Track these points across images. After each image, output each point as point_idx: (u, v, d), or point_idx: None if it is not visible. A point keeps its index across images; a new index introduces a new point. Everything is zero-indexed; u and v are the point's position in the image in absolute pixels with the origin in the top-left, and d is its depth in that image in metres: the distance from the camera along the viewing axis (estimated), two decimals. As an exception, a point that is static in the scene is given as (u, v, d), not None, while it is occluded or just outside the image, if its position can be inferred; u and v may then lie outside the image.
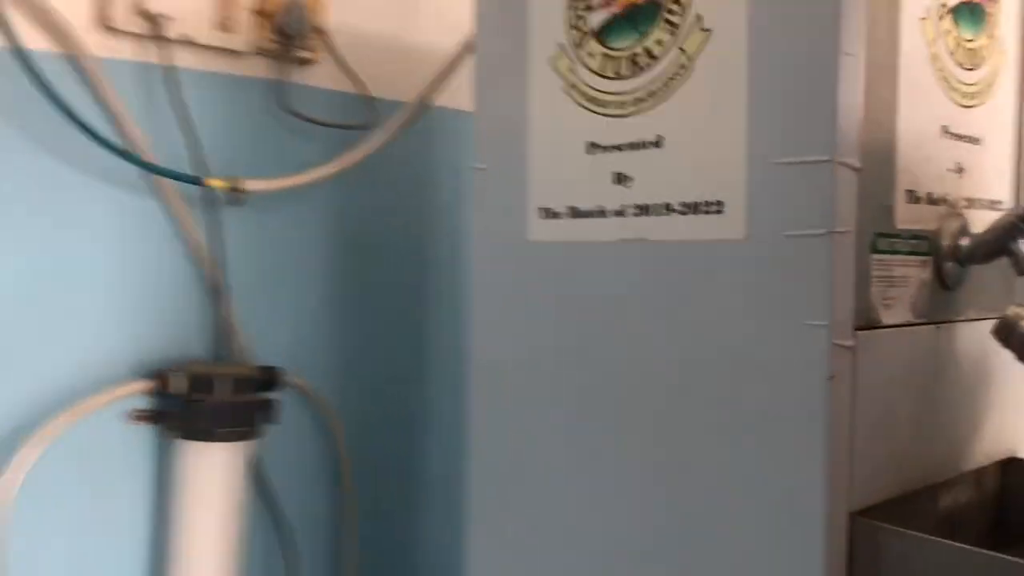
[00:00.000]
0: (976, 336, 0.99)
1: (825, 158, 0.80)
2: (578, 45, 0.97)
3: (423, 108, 1.46)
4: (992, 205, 1.01)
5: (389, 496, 1.58)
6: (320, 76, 1.43)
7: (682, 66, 0.88)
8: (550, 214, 1.00)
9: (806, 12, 0.81)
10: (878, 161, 0.84)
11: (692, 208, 0.88)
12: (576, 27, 0.97)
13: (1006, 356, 1.04)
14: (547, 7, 0.99)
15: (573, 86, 0.97)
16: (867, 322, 0.83)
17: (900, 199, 0.87)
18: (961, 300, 0.96)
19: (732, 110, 0.85)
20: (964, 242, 0.93)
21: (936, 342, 0.93)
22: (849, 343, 0.81)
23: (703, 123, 0.87)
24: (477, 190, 1.08)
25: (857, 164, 0.81)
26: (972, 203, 0.97)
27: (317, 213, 1.45)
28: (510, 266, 1.04)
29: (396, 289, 1.57)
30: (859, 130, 0.81)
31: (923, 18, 0.88)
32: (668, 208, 0.90)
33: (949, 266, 0.93)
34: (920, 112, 0.89)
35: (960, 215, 0.94)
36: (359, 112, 1.45)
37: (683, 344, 0.89)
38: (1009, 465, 1.06)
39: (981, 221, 0.98)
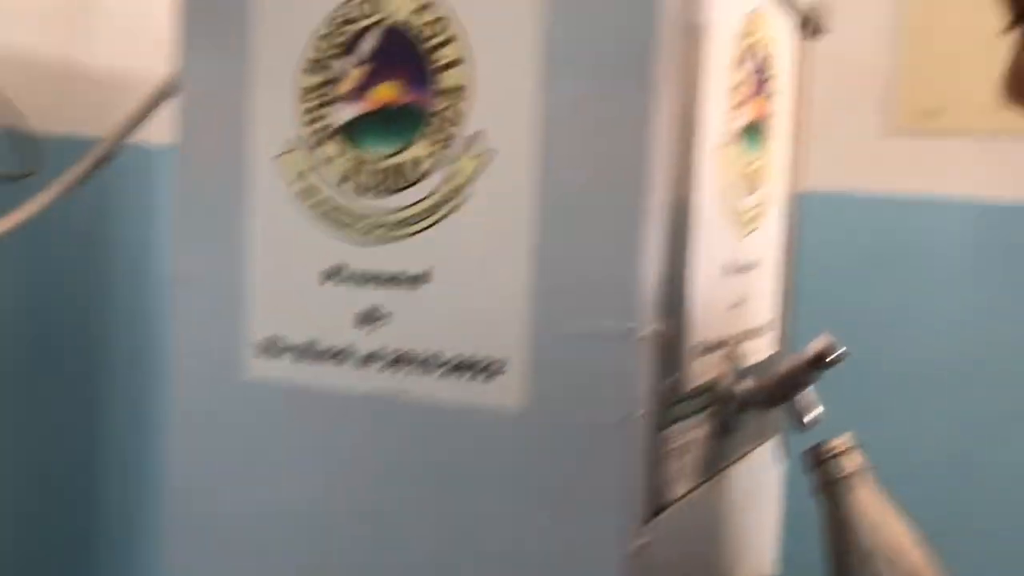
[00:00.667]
0: (751, 465, 0.92)
1: (621, 327, 0.67)
2: (318, 144, 0.77)
3: (116, 148, 1.17)
4: (764, 330, 0.94)
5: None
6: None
7: (456, 188, 0.72)
8: (273, 350, 0.80)
9: (607, 149, 0.67)
10: (672, 321, 0.73)
11: (463, 366, 0.72)
12: (314, 120, 0.77)
13: (767, 478, 0.98)
14: (274, 89, 0.78)
15: (309, 194, 0.77)
16: (657, 505, 0.72)
17: (690, 357, 0.76)
18: (739, 439, 0.89)
19: (516, 252, 0.70)
20: (745, 388, 0.85)
21: (719, 490, 0.85)
22: (642, 541, 0.69)
23: (479, 262, 0.71)
24: (178, 305, 0.85)
25: (656, 334, 0.69)
26: (748, 334, 0.90)
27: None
28: (217, 407, 0.83)
29: (65, 399, 1.27)
30: (658, 291, 0.69)
31: (716, 148, 0.78)
32: (433, 361, 0.73)
33: (731, 413, 0.84)
34: (711, 254, 0.79)
35: (739, 354, 0.86)
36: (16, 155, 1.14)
37: (443, 533, 0.73)
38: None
39: (756, 350, 0.92)
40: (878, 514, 0.77)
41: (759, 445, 0.95)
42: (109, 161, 1.13)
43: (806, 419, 0.84)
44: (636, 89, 0.66)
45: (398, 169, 0.74)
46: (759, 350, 0.92)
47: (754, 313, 0.91)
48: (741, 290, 0.87)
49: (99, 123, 1.15)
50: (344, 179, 0.76)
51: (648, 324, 0.68)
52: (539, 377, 0.69)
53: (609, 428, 0.68)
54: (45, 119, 1.19)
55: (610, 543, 0.68)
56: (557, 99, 0.68)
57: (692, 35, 0.71)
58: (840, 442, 0.79)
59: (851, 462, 0.78)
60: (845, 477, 0.78)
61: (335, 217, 0.76)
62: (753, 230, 0.89)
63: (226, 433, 0.83)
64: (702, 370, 0.79)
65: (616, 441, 0.68)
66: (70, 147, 1.15)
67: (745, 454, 0.92)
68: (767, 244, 0.94)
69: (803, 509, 1.09)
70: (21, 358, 1.22)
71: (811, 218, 1.10)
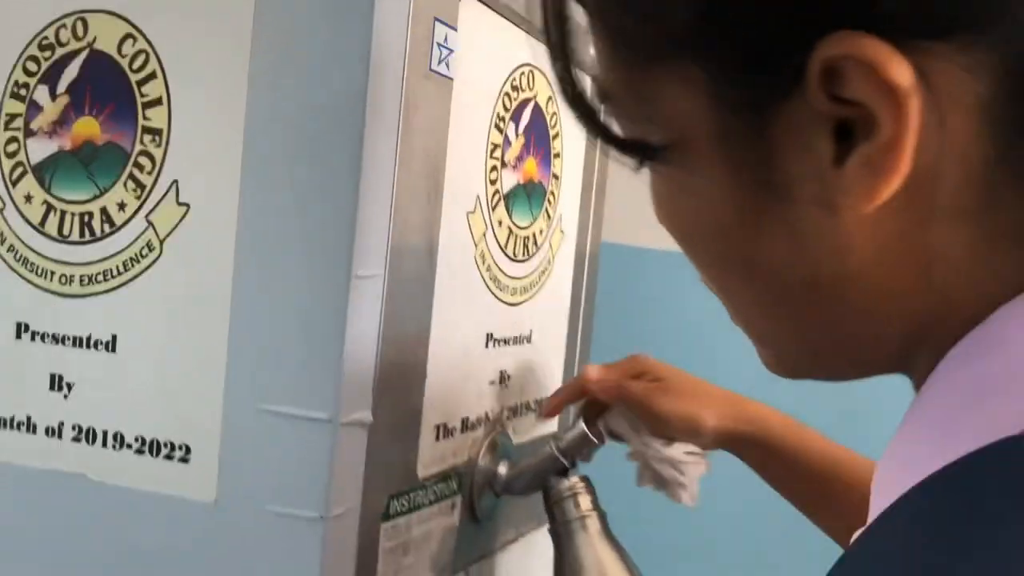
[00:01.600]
0: (509, 558, 0.85)
1: (325, 416, 0.59)
2: (13, 182, 0.67)
3: None
4: (539, 405, 0.87)
5: None
6: None
7: (148, 245, 0.63)
8: (-42, 411, 0.69)
9: (317, 212, 0.59)
10: (399, 404, 0.65)
11: (151, 447, 0.63)
12: (10, 155, 0.67)
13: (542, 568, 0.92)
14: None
15: (1, 237, 0.67)
16: (373, 610, 0.64)
17: (426, 443, 0.69)
18: (496, 529, 0.81)
19: (209, 324, 0.61)
20: (502, 471, 0.78)
21: (464, 588, 0.77)
22: (340, 657, 0.61)
23: (169, 331, 0.63)
24: None
25: (369, 419, 0.61)
26: (516, 412, 0.83)
27: None
28: None
29: None
30: (377, 372, 0.62)
31: (471, 212, 0.71)
32: (118, 440, 0.64)
33: (483, 499, 0.77)
34: (460, 327, 0.72)
35: (499, 433, 0.79)
36: None
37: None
38: None
39: (526, 427, 0.85)
40: (599, 558, 0.73)
41: (531, 531, 0.88)
42: None
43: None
44: (347, 146, 0.58)
45: (93, 217, 0.65)
46: (532, 428, 0.85)
47: (525, 388, 0.84)
48: (511, 363, 0.80)
49: None
50: (41, 222, 0.66)
51: (359, 409, 0.60)
52: (230, 464, 0.61)
53: (309, 523, 0.59)
54: None
55: (302, 658, 0.60)
56: (259, 149, 0.60)
57: (430, 88, 0.64)
58: (572, 483, 0.74)
59: (583, 504, 0.74)
60: (574, 519, 0.74)
61: (30, 265, 0.67)
62: (526, 300, 0.82)
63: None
64: (445, 454, 0.72)
65: (315, 537, 0.59)
66: None
67: (510, 542, 0.84)
68: (548, 315, 0.87)
69: None
70: None
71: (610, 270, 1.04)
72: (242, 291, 0.61)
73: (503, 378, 0.80)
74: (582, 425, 0.74)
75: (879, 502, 0.33)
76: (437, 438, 0.70)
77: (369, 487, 0.62)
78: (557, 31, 0.35)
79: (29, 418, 0.67)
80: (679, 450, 0.75)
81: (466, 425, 0.74)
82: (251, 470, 0.60)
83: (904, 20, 0.29)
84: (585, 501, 0.74)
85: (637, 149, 0.36)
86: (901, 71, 0.29)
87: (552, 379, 0.89)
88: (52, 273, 0.66)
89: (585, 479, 0.75)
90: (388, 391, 0.63)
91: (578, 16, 0.35)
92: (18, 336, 0.67)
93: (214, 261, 0.61)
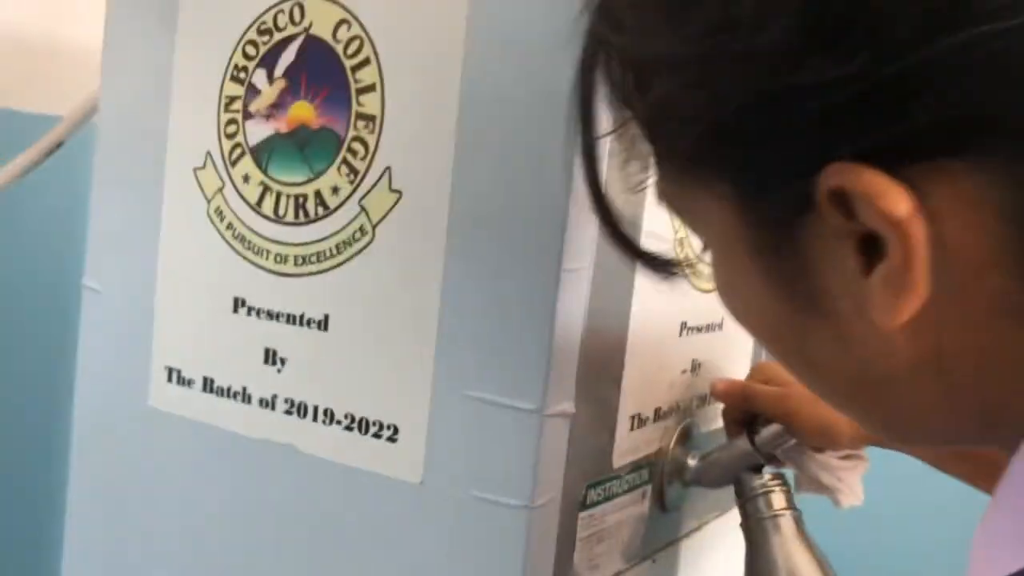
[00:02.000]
0: (692, 546, 0.84)
1: (532, 407, 0.59)
2: (232, 162, 0.70)
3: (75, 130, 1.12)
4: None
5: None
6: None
7: (361, 229, 0.64)
8: (181, 379, 0.73)
9: (532, 204, 0.59)
10: (599, 394, 0.65)
11: (359, 425, 0.65)
12: (230, 135, 0.70)
13: (721, 557, 0.91)
14: (201, 90, 0.71)
15: (220, 214, 0.70)
16: (567, 596, 0.65)
17: (622, 433, 0.68)
18: (681, 518, 0.81)
19: (419, 309, 0.62)
20: (692, 462, 0.76)
21: (649, 575, 0.77)
22: (538, 641, 0.62)
23: (379, 314, 0.64)
24: (87, 317, 0.79)
25: (572, 410, 0.61)
26: (704, 400, 0.81)
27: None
28: (121, 432, 0.77)
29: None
30: (580, 363, 0.62)
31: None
32: (328, 416, 0.66)
33: (672, 489, 0.76)
34: (658, 316, 0.71)
35: (690, 423, 0.78)
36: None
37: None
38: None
39: (714, 416, 0.83)
40: (792, 559, 0.70)
41: (712, 519, 0.87)
42: (61, 144, 1.07)
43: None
44: (565, 134, 0.57)
45: (307, 199, 0.66)
46: (719, 417, 0.84)
47: (715, 375, 0.82)
48: (700, 351, 0.79)
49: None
50: (258, 202, 0.69)
51: (561, 400, 0.60)
52: (437, 447, 0.62)
53: (514, 510, 0.60)
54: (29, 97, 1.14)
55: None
56: (472, 137, 0.60)
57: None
58: (765, 480, 0.72)
59: (776, 502, 0.71)
60: (766, 518, 0.72)
61: (247, 243, 0.69)
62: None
63: (126, 460, 0.77)
64: (638, 444, 0.71)
65: (519, 525, 0.60)
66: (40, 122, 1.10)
67: (693, 530, 0.83)
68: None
69: None
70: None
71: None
72: (452, 278, 0.61)
73: (694, 367, 0.78)
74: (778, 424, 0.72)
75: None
76: (632, 428, 0.70)
77: (569, 477, 0.63)
78: (588, 162, 0.38)
79: (244, 389, 0.70)
80: (832, 455, 0.73)
81: (658, 415, 0.73)
82: (457, 454, 0.61)
83: (904, 145, 0.29)
84: (779, 499, 0.72)
85: (660, 264, 0.41)
86: (898, 202, 0.29)
87: (741, 366, 0.87)
88: (268, 252, 0.68)
89: (780, 476, 0.73)
90: (589, 382, 0.63)
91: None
92: (235, 310, 0.70)
93: (425, 248, 0.62)
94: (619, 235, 0.41)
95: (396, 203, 0.63)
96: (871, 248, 0.31)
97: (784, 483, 0.73)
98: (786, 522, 0.71)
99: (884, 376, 0.34)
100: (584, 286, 0.61)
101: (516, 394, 0.59)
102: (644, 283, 0.67)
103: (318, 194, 0.66)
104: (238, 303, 0.70)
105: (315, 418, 0.67)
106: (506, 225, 0.59)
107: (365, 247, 0.64)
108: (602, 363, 0.65)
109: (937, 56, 0.27)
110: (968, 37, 0.27)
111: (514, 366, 0.59)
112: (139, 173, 0.75)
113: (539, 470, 0.59)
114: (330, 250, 0.66)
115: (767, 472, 0.73)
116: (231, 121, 0.70)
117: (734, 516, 0.93)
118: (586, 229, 0.59)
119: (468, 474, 0.61)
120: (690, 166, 0.35)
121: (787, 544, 0.71)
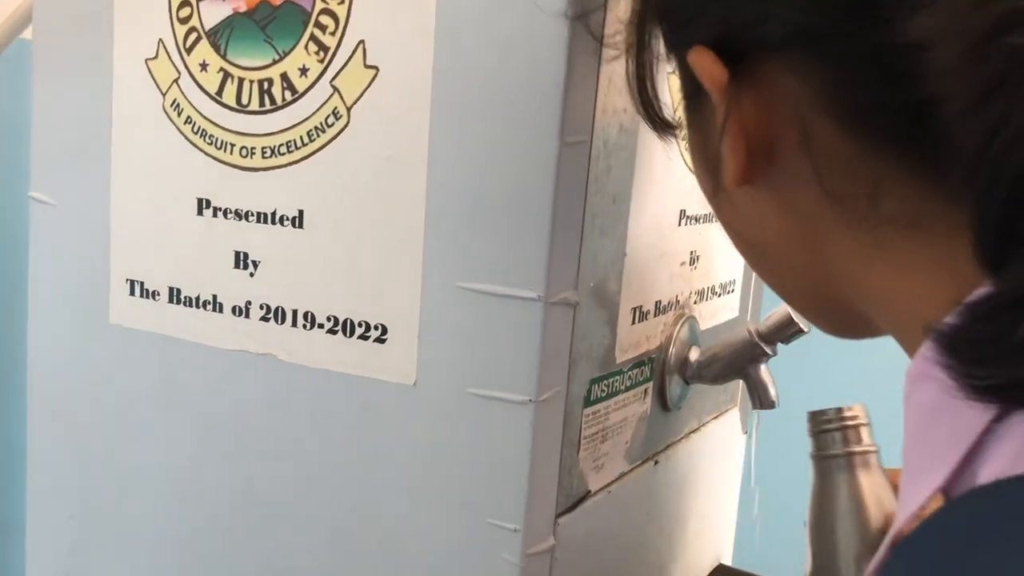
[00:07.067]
0: (692, 448, 0.81)
1: (533, 295, 0.54)
2: (187, 49, 0.63)
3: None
4: (724, 290, 0.82)
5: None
6: None
7: (334, 112, 0.59)
8: (144, 291, 0.68)
9: (524, 70, 0.54)
10: (599, 284, 0.61)
11: (344, 327, 0.60)
12: (183, 19, 0.63)
13: (721, 457, 0.88)
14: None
15: (177, 108, 0.64)
16: (571, 498, 0.61)
17: (623, 326, 0.64)
18: (681, 418, 0.77)
19: (404, 196, 0.57)
20: (693, 357, 0.73)
21: (652, 476, 0.74)
22: (546, 545, 0.58)
23: (359, 205, 0.59)
24: (36, 231, 0.73)
25: (575, 298, 0.57)
26: (702, 296, 0.77)
27: None
28: (83, 352, 0.71)
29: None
30: (581, 248, 0.57)
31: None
32: (309, 320, 0.61)
33: (674, 386, 0.73)
34: (658, 202, 0.66)
35: (689, 319, 0.74)
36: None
37: (319, 509, 0.63)
38: (717, 574, 0.91)
39: (712, 312, 0.79)
40: (866, 500, 0.64)
41: (710, 420, 0.84)
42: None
43: (764, 397, 0.72)
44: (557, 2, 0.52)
45: (273, 84, 0.60)
46: (716, 313, 0.80)
47: (711, 271, 0.78)
48: (696, 243, 0.75)
49: None
50: (218, 91, 0.63)
51: (563, 288, 0.56)
52: (429, 346, 0.58)
53: (517, 407, 0.56)
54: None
55: (511, 548, 0.57)
56: (455, 4, 0.54)
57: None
58: (844, 413, 0.64)
59: (851, 438, 0.64)
60: (839, 455, 0.64)
61: (209, 137, 0.63)
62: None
63: (89, 384, 0.71)
64: (639, 338, 0.67)
65: (524, 422, 0.56)
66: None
67: (692, 431, 0.80)
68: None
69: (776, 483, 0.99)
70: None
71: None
72: (439, 161, 0.56)
73: (692, 259, 0.74)
74: (786, 307, 0.68)
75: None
76: (633, 321, 0.66)
77: (573, 371, 0.58)
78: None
79: (215, 297, 0.65)
80: None
81: (659, 308, 0.69)
82: (453, 351, 0.57)
83: (735, 36, 0.34)
84: (854, 434, 0.64)
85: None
86: (712, 74, 0.35)
87: (739, 262, 0.83)
88: (232, 146, 0.62)
89: (860, 408, 0.65)
90: (589, 270, 0.58)
91: None
92: (199, 212, 0.64)
93: (407, 128, 0.56)
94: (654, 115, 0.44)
95: (372, 81, 0.57)
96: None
97: (865, 415, 0.65)
98: (859, 460, 0.64)
99: (761, 245, 0.39)
100: (584, 162, 0.56)
101: (516, 282, 0.55)
102: (644, 160, 0.63)
103: (285, 77, 0.60)
104: (202, 204, 0.64)
105: (294, 323, 0.62)
106: (498, 97, 0.54)
107: (340, 132, 0.59)
108: (603, 250, 0.60)
109: None
110: None
111: (512, 252, 0.55)
112: (83, 69, 0.68)
113: (543, 363, 0.55)
114: (301, 138, 0.60)
115: (850, 405, 0.66)
116: (184, 3, 0.63)
117: (732, 417, 0.90)
118: (586, 96, 0.54)
119: (466, 372, 0.57)
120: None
121: (857, 482, 0.64)
